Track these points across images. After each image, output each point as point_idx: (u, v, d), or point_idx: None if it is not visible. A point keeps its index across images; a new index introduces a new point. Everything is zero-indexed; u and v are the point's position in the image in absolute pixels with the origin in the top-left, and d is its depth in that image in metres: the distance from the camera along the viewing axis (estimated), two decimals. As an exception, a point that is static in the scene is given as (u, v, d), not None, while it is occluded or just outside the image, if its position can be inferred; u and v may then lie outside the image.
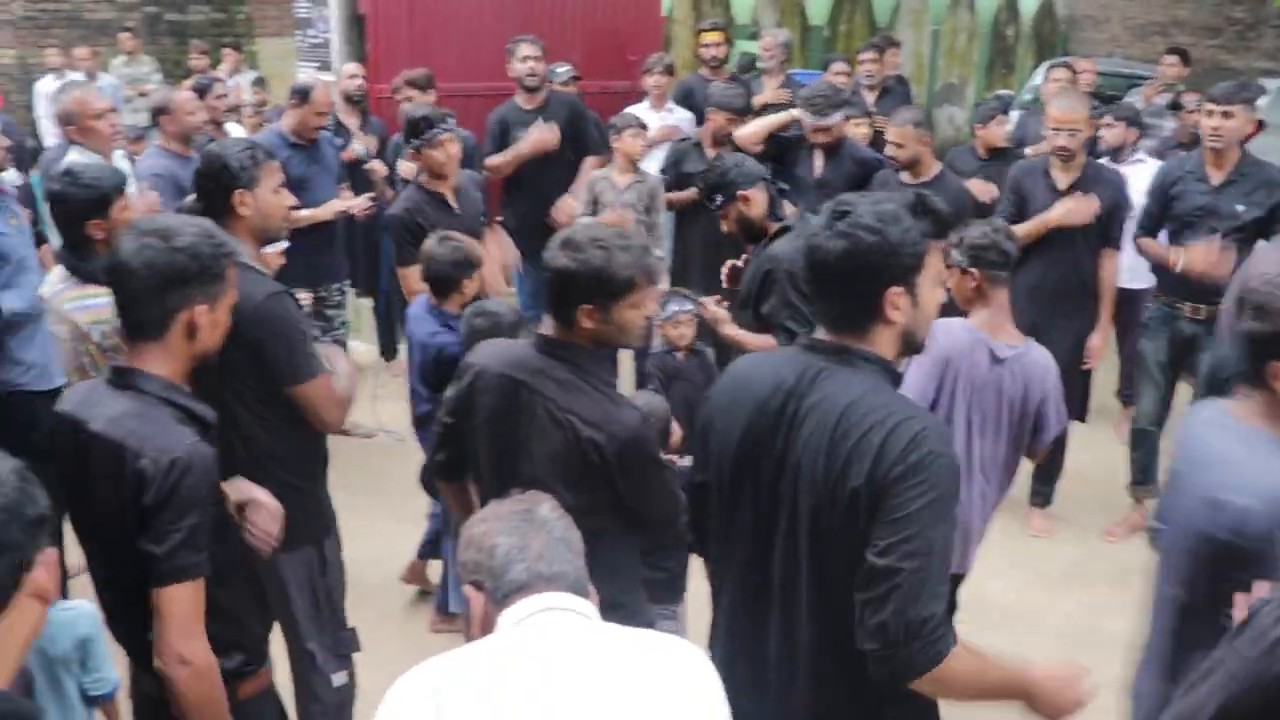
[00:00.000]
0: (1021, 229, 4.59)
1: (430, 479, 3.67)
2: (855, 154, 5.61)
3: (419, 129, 4.41)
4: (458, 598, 3.82)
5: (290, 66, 11.87)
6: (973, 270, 3.34)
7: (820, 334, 2.08)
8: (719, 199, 3.97)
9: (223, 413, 2.44)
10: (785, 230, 3.89)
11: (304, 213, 5.07)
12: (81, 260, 3.31)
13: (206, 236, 2.22)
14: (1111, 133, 6.02)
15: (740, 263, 4.25)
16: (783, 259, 3.70)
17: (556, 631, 1.62)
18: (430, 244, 3.97)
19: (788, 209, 4.21)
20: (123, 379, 2.17)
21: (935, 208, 2.07)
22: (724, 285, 4.43)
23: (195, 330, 2.19)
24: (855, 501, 1.89)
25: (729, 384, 2.20)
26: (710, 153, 5.79)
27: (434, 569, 4.45)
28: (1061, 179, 4.94)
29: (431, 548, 4.32)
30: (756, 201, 3.92)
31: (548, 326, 2.55)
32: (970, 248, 3.33)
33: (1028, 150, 6.26)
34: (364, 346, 6.91)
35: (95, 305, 3.18)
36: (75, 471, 2.16)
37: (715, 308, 4.04)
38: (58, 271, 3.44)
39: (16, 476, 1.55)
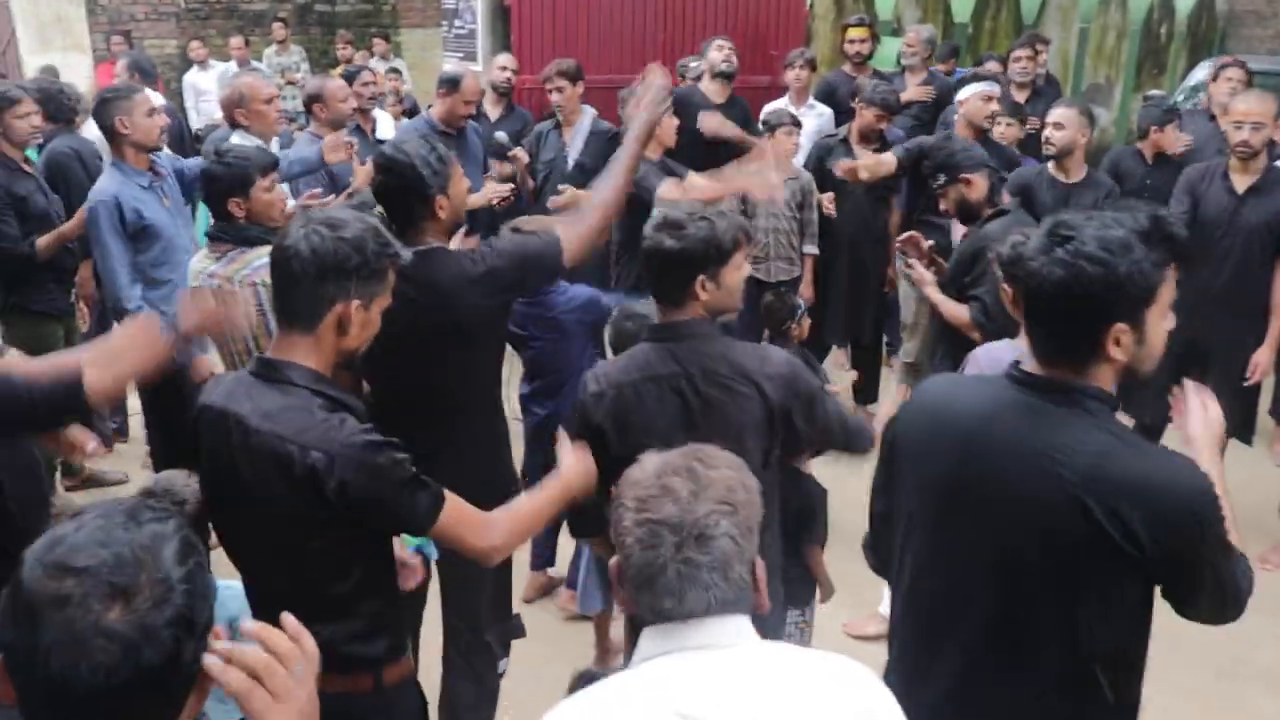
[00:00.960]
0: None
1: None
2: (1006, 155, 5.49)
3: None
4: (590, 597, 3.89)
5: (433, 57, 12.15)
6: (1006, 286, 3.13)
7: (1030, 364, 1.93)
8: (942, 178, 4.17)
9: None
10: (1001, 213, 4.08)
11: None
12: (239, 230, 3.46)
13: (374, 233, 2.19)
14: None
15: (920, 236, 4.37)
16: (993, 239, 3.74)
17: (745, 659, 1.49)
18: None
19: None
20: (271, 371, 2.15)
21: (1172, 232, 1.94)
22: (900, 252, 4.64)
23: (346, 325, 2.15)
24: (1115, 551, 1.77)
25: (924, 411, 2.09)
26: (857, 149, 5.73)
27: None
28: (1240, 181, 4.70)
29: (544, 556, 4.34)
30: (978, 186, 4.12)
31: (659, 313, 2.62)
32: (1007, 261, 3.07)
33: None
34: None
35: (263, 264, 3.23)
36: (227, 464, 2.15)
37: (922, 269, 4.17)
38: (200, 255, 3.58)
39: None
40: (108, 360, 2.47)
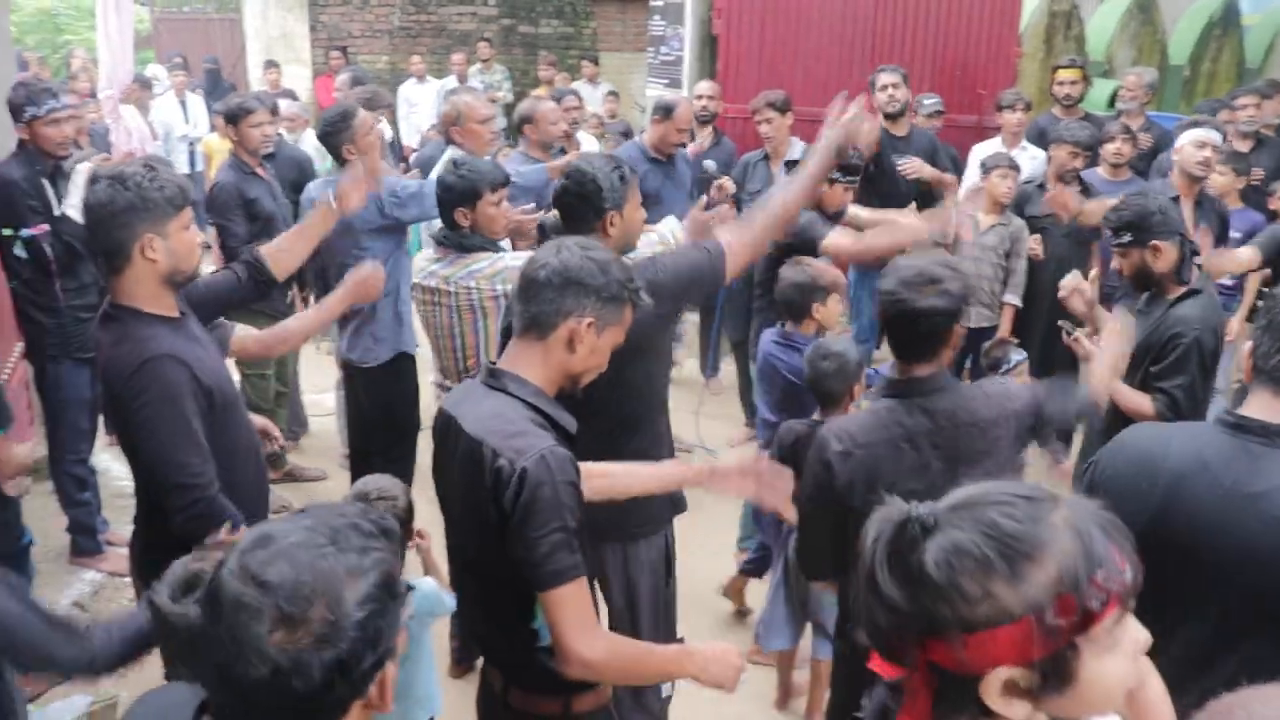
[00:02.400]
0: None
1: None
2: (1217, 209, 5.23)
3: (845, 170, 4.49)
4: (776, 634, 3.84)
5: (630, 81, 12.37)
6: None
7: (1252, 410, 1.90)
8: (1127, 238, 3.63)
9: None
10: (1193, 294, 3.60)
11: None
12: (464, 236, 3.64)
13: (621, 266, 2.27)
14: None
15: (1083, 284, 3.97)
16: (1193, 324, 3.48)
17: None
18: (783, 269, 4.01)
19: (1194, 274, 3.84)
20: (495, 380, 2.21)
21: None
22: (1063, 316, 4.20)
23: (575, 344, 2.20)
24: None
25: (1129, 455, 2.05)
26: (1053, 187, 5.55)
27: (754, 591, 4.44)
28: None
29: (756, 566, 4.31)
30: (1167, 255, 3.59)
31: (898, 369, 2.57)
32: None
33: None
34: (687, 360, 7.03)
35: (481, 268, 3.54)
36: (445, 466, 2.24)
37: (1087, 342, 3.72)
38: (424, 255, 3.76)
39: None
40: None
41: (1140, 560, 1.91)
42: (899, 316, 2.51)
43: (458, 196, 3.63)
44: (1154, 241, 3.57)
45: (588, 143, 6.83)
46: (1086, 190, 5.65)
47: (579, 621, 2.07)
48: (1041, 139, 6.71)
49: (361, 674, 1.22)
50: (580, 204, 2.98)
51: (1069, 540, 1.16)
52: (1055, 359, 5.65)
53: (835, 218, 4.57)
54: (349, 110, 4.55)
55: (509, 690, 2.27)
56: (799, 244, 4.20)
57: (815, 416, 3.60)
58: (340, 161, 4.48)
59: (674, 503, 3.14)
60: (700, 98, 6.58)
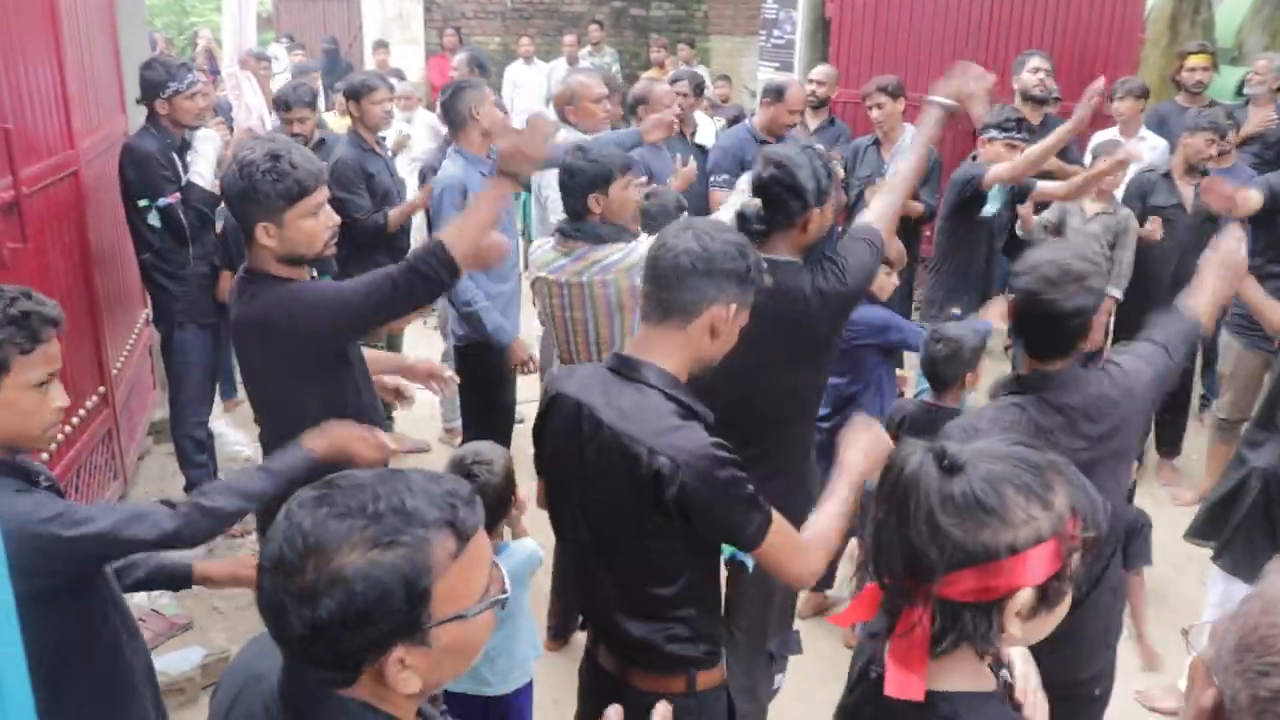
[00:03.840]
0: None
1: None
2: None
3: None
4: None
5: (741, 64, 12.32)
6: None
7: None
8: None
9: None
10: None
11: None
12: (594, 227, 3.54)
13: (751, 247, 2.27)
14: None
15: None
16: None
17: None
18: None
19: None
20: (627, 369, 2.19)
21: None
22: None
23: (717, 330, 2.20)
24: None
25: None
26: (1180, 184, 5.37)
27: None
28: None
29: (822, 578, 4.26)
30: None
31: (1027, 365, 2.54)
32: None
33: None
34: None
35: (616, 260, 3.43)
36: (574, 453, 2.22)
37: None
38: (546, 247, 3.70)
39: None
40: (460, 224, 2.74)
41: None
42: (1041, 317, 2.46)
43: (589, 182, 3.51)
44: None
45: (705, 125, 6.83)
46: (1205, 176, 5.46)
47: (793, 551, 2.18)
48: (1162, 126, 6.50)
49: (348, 648, 1.24)
50: (787, 195, 2.89)
51: (1064, 472, 1.39)
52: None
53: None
54: (470, 81, 4.73)
55: (629, 672, 2.29)
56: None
57: (927, 399, 3.58)
58: (455, 132, 4.63)
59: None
60: (811, 82, 6.52)
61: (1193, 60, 6.70)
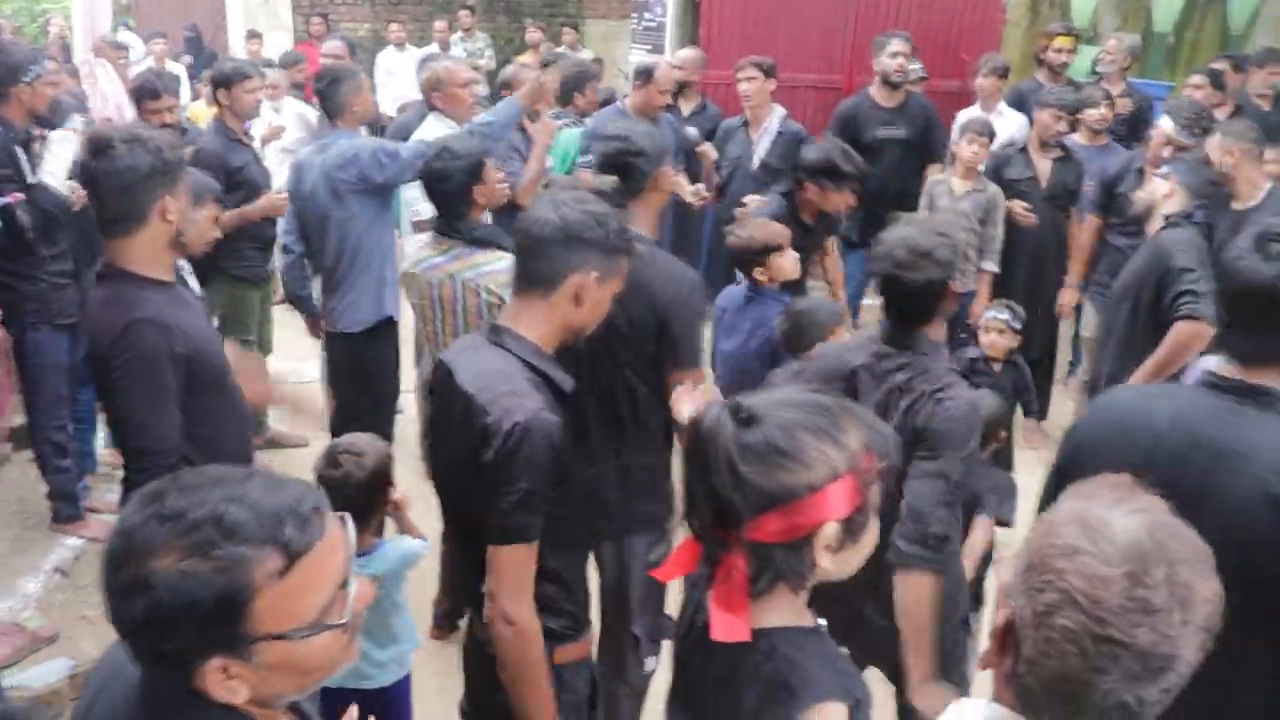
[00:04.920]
0: None
1: None
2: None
3: (839, 177, 4.41)
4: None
5: (615, 49, 12.30)
6: None
7: (1225, 369, 1.95)
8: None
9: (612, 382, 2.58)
10: (1174, 225, 3.90)
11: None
12: (471, 228, 3.53)
13: (615, 215, 2.33)
14: None
15: None
16: (1177, 248, 3.75)
17: None
18: (729, 233, 4.13)
19: None
20: (496, 335, 2.25)
21: None
22: None
23: (581, 298, 2.23)
24: None
25: (1111, 415, 2.10)
26: (1036, 158, 5.57)
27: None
28: None
29: None
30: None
31: (887, 333, 2.64)
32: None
33: None
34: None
35: (495, 270, 3.39)
36: (441, 417, 2.28)
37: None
38: (421, 243, 3.68)
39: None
40: None
41: None
42: (902, 295, 2.61)
43: (466, 176, 3.53)
44: None
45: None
46: (1068, 155, 5.67)
47: (520, 582, 2.12)
48: (1022, 104, 6.71)
49: (164, 650, 1.22)
50: (641, 166, 3.09)
51: (855, 413, 1.50)
52: (1034, 323, 5.70)
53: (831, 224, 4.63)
54: (345, 68, 4.69)
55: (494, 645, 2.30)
56: None
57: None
58: (332, 120, 4.58)
59: (671, 512, 3.16)
60: (675, 69, 6.54)
61: (1059, 41, 6.93)
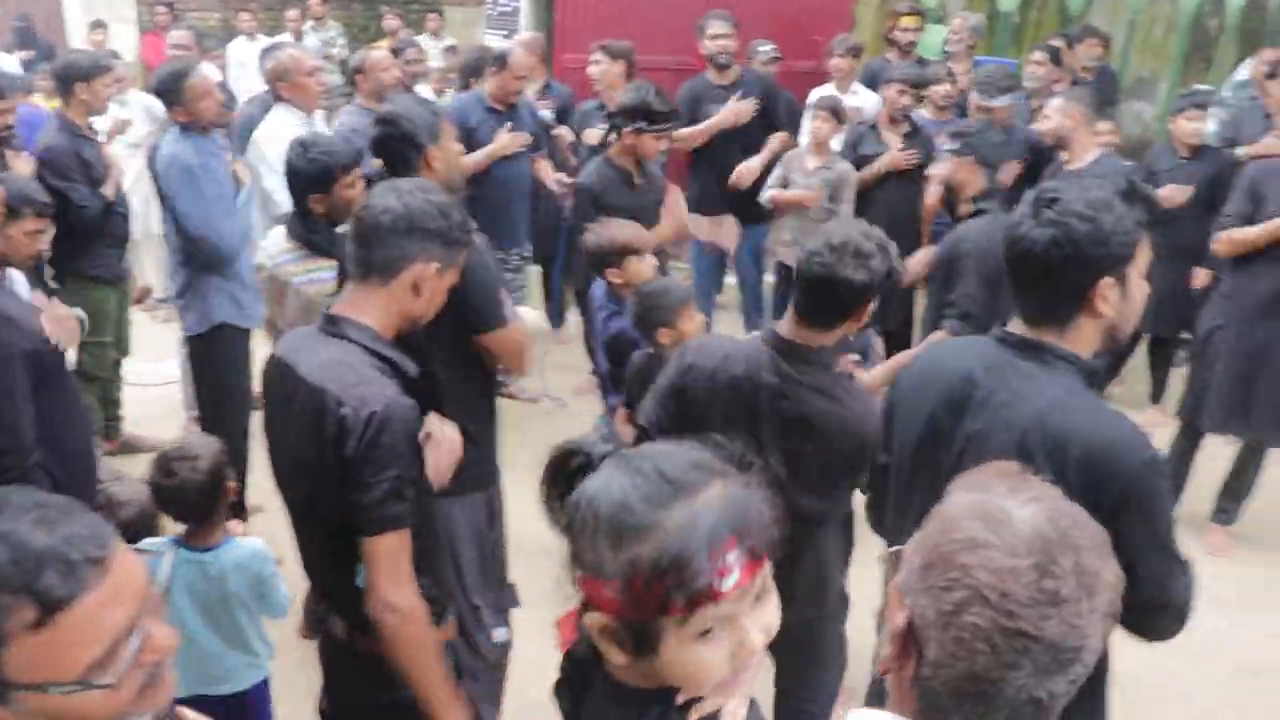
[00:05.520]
0: (1249, 234, 4.39)
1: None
2: (1028, 138, 5.51)
3: (655, 118, 4.40)
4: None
5: (473, 35, 12.14)
6: None
7: (1015, 326, 2.02)
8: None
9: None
10: (980, 213, 3.98)
11: (470, 157, 5.22)
12: (312, 232, 3.44)
13: (459, 208, 2.34)
14: None
15: None
16: (968, 241, 3.81)
17: None
18: (588, 232, 4.05)
19: None
20: (334, 326, 2.21)
21: (1147, 195, 1.99)
22: None
23: (421, 288, 2.23)
24: None
25: (918, 369, 2.20)
26: (886, 134, 5.71)
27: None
28: None
29: None
30: (964, 174, 4.03)
31: (789, 327, 2.60)
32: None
33: (1240, 151, 5.90)
34: (534, 312, 7.00)
35: (323, 279, 3.32)
36: (280, 412, 2.23)
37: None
38: (278, 238, 3.58)
39: None
40: None
41: (916, 469, 2.04)
42: (820, 280, 2.53)
43: (309, 182, 3.43)
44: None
45: (427, 96, 6.70)
46: (917, 130, 5.82)
47: (398, 570, 2.10)
48: (873, 82, 6.86)
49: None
50: (404, 146, 3.02)
51: (676, 532, 1.16)
52: (893, 294, 5.83)
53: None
54: (186, 61, 4.51)
55: (355, 637, 2.27)
56: None
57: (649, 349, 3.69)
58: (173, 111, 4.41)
59: (493, 473, 3.17)
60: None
61: (905, 21, 7.14)
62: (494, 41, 7.39)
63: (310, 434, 2.10)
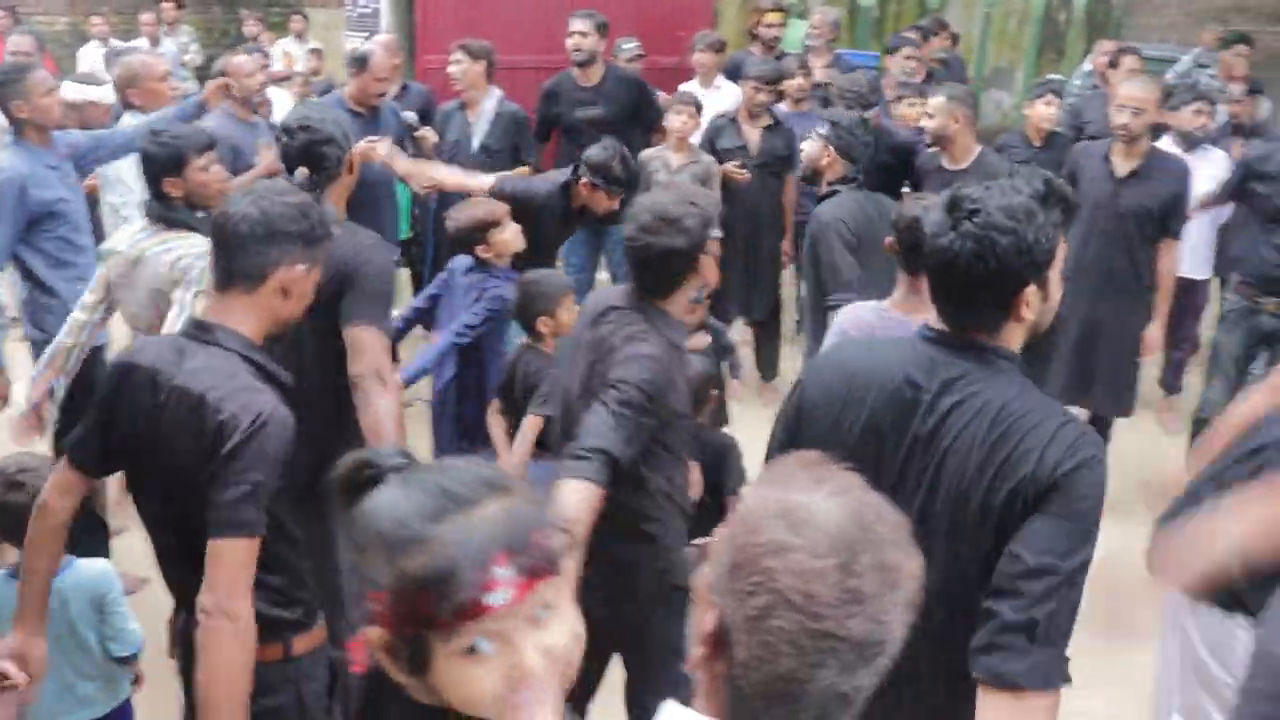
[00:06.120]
0: None
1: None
2: (891, 140, 5.57)
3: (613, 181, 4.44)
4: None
5: (337, 37, 11.92)
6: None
7: (941, 326, 1.98)
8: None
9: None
10: (834, 193, 4.09)
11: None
12: (168, 210, 3.42)
13: (314, 205, 2.34)
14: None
15: None
16: (822, 219, 3.94)
17: None
18: (447, 220, 4.22)
19: None
20: (204, 333, 2.20)
21: (1064, 193, 1.94)
22: None
23: (289, 291, 2.24)
24: (1011, 505, 1.81)
25: (837, 371, 2.07)
26: (746, 127, 5.80)
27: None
28: (1120, 164, 4.85)
29: None
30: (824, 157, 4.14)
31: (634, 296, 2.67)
32: (907, 244, 3.12)
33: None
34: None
35: (175, 247, 3.31)
36: (144, 420, 2.17)
37: None
38: (136, 224, 3.54)
39: None
40: None
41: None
42: (644, 260, 2.62)
43: (162, 167, 3.41)
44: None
45: (282, 101, 6.57)
46: (777, 123, 5.92)
47: (238, 579, 2.06)
48: (736, 75, 6.96)
49: None
50: (327, 148, 3.09)
51: (446, 545, 1.15)
52: (759, 285, 5.94)
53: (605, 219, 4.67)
54: (18, 67, 4.34)
55: None
56: None
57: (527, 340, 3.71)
58: (12, 121, 4.22)
59: None
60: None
61: (769, 17, 7.25)
62: (356, 43, 7.27)
63: (186, 441, 2.09)
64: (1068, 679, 1.78)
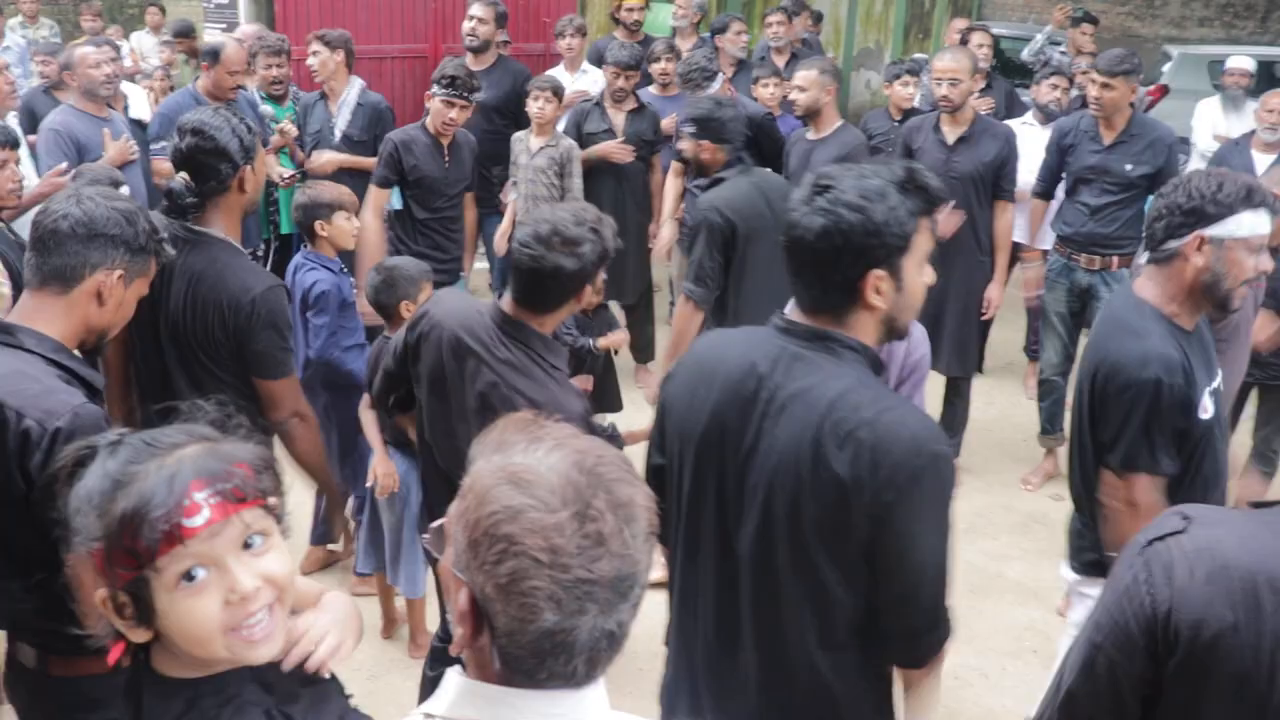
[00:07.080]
0: None
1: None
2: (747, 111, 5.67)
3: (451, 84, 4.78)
4: (366, 559, 3.89)
5: (198, 29, 11.60)
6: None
7: (795, 314, 1.96)
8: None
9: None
10: (718, 181, 4.06)
11: None
12: None
13: (146, 216, 2.26)
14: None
15: None
16: (702, 209, 3.92)
17: None
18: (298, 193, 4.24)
19: None
20: (9, 335, 2.11)
21: (925, 184, 1.89)
22: None
23: (104, 297, 2.17)
24: (844, 497, 1.80)
25: (692, 363, 2.08)
26: (611, 112, 5.86)
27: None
28: (949, 132, 5.07)
29: (325, 530, 4.25)
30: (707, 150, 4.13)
31: (509, 306, 2.67)
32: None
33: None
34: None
35: None
36: None
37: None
38: None
39: None
40: None
41: (701, 467, 2.01)
42: (530, 271, 2.58)
43: None
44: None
45: (138, 96, 6.40)
46: (642, 106, 5.98)
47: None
48: (602, 60, 7.01)
49: None
50: (215, 159, 2.79)
51: (147, 480, 1.26)
52: (627, 269, 5.99)
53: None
54: None
55: (48, 661, 2.16)
56: None
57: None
58: None
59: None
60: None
61: (630, 1, 7.28)
62: (215, 35, 7.12)
63: None
64: None
